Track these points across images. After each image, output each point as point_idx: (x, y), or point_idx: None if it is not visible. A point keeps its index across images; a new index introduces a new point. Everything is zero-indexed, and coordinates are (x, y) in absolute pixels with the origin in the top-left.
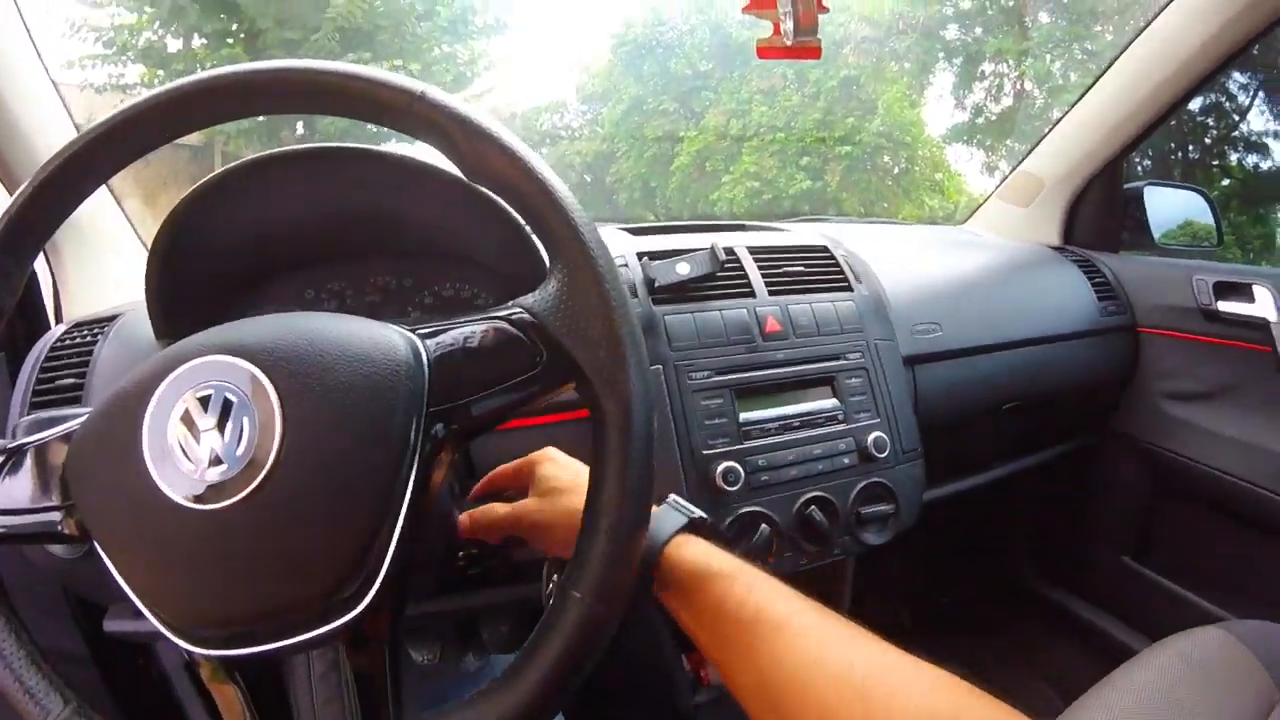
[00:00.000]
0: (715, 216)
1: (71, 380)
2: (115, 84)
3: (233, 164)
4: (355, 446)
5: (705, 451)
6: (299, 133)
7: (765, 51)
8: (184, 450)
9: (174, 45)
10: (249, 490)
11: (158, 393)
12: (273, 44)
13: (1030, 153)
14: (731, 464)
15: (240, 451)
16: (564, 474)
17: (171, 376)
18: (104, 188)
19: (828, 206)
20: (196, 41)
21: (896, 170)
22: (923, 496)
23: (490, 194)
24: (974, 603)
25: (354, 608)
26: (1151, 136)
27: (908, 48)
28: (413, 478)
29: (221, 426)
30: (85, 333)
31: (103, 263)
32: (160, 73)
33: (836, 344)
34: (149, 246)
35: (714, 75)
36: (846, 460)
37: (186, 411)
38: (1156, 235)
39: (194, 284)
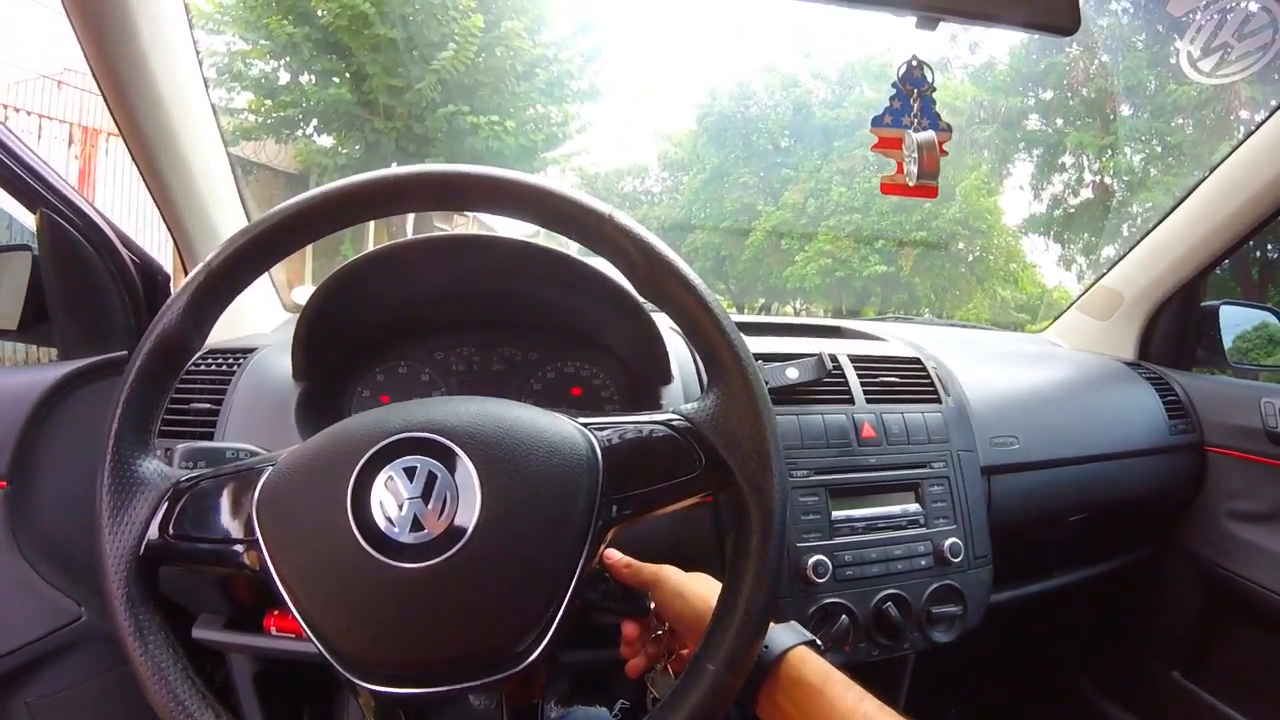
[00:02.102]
0: (785, 293)
1: (208, 405)
2: (224, 107)
3: (393, 243)
4: (543, 526)
5: (799, 544)
6: None
7: (888, 188)
8: (386, 513)
9: (284, 78)
10: (446, 556)
11: (365, 457)
12: (378, 88)
13: (1111, 268)
14: (821, 558)
15: (441, 521)
16: (695, 582)
17: (380, 445)
18: (246, 219)
19: (900, 290)
20: (304, 77)
21: (970, 258)
22: (989, 600)
23: (634, 297)
24: (1022, 706)
25: (526, 659)
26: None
27: (988, 137)
28: (585, 552)
29: (425, 497)
30: (222, 361)
31: None
32: (267, 102)
33: (924, 453)
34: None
35: (795, 152)
36: (923, 562)
37: (392, 479)
38: (1229, 354)
39: (337, 338)
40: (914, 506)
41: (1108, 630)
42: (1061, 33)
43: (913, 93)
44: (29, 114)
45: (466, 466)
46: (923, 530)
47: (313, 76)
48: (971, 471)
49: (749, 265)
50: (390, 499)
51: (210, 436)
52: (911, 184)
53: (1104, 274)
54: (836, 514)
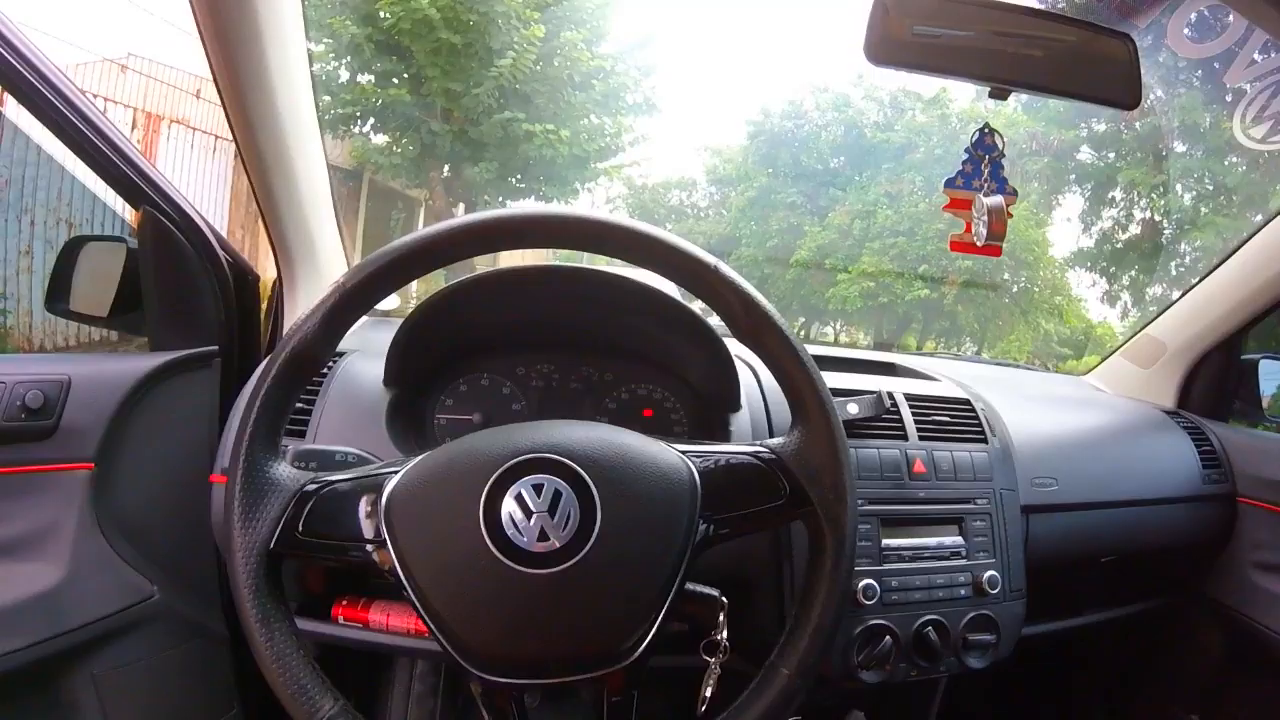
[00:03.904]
0: (826, 314)
1: (301, 405)
2: None
3: (497, 269)
4: (651, 542)
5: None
6: (445, 174)
7: (957, 247)
8: (514, 524)
9: (344, 76)
10: (569, 564)
11: (498, 472)
12: (436, 92)
13: (1156, 318)
14: (871, 582)
15: (565, 533)
16: None
17: (512, 463)
18: (339, 234)
19: (942, 318)
20: (364, 77)
21: (1015, 289)
22: (1021, 631)
23: (710, 328)
24: None
25: (630, 657)
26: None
27: (1039, 169)
28: (684, 566)
29: (551, 511)
30: None
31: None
32: (326, 98)
33: (969, 490)
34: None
35: (843, 174)
36: (963, 591)
37: (521, 494)
38: (1267, 408)
39: (429, 350)
40: (957, 539)
41: (1130, 671)
42: (1122, 107)
43: (983, 158)
44: (93, 96)
45: (588, 485)
46: (964, 562)
47: (373, 76)
48: (1012, 509)
49: (791, 285)
50: (519, 511)
51: (303, 434)
52: (979, 244)
53: (1149, 322)
54: (886, 542)
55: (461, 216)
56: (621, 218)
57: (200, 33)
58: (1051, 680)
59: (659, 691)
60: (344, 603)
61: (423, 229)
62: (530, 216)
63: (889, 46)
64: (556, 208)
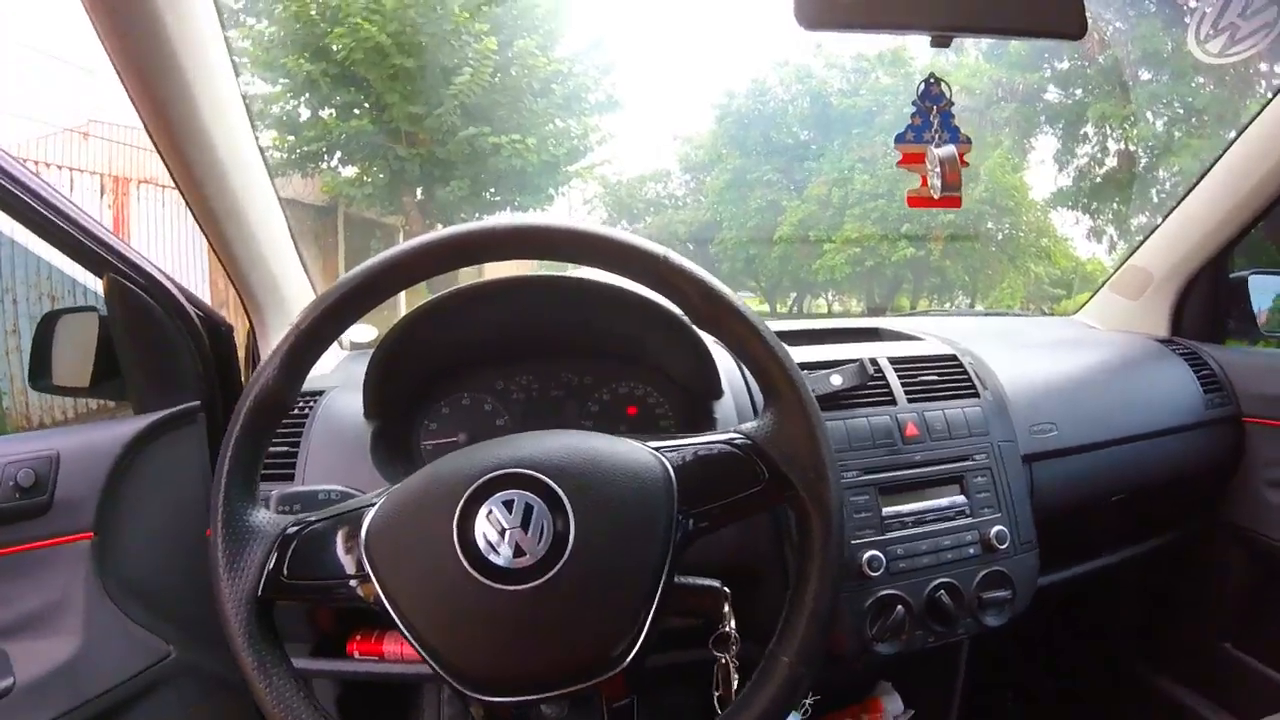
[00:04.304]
0: (816, 286)
1: (285, 448)
2: None
3: (460, 287)
4: (630, 544)
5: (854, 541)
6: (418, 197)
7: (914, 201)
8: (489, 543)
9: (305, 114)
10: (547, 577)
11: (466, 494)
12: (399, 117)
13: (1139, 246)
14: (875, 553)
15: (540, 546)
16: None
17: (480, 482)
18: (303, 270)
19: (932, 274)
20: (325, 112)
21: (1000, 236)
22: (1037, 583)
23: (683, 320)
24: (1077, 686)
25: (622, 663)
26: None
27: (1008, 116)
28: (668, 565)
29: (525, 525)
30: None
31: None
32: (290, 138)
33: (965, 446)
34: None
35: (815, 144)
36: (971, 550)
37: (492, 512)
38: (1261, 323)
39: (405, 377)
40: (960, 498)
41: (1157, 607)
42: (1069, 37)
43: (931, 109)
44: (59, 168)
45: (559, 496)
46: (969, 520)
47: (333, 110)
48: (1013, 461)
49: (778, 261)
50: (492, 530)
51: (290, 478)
52: (936, 196)
53: (1133, 252)
54: (887, 510)
55: (407, 242)
56: (568, 221)
57: (124, 86)
58: (1079, 625)
59: (681, 687)
60: (358, 637)
61: (370, 259)
62: (475, 232)
63: (819, 7)
64: (502, 220)
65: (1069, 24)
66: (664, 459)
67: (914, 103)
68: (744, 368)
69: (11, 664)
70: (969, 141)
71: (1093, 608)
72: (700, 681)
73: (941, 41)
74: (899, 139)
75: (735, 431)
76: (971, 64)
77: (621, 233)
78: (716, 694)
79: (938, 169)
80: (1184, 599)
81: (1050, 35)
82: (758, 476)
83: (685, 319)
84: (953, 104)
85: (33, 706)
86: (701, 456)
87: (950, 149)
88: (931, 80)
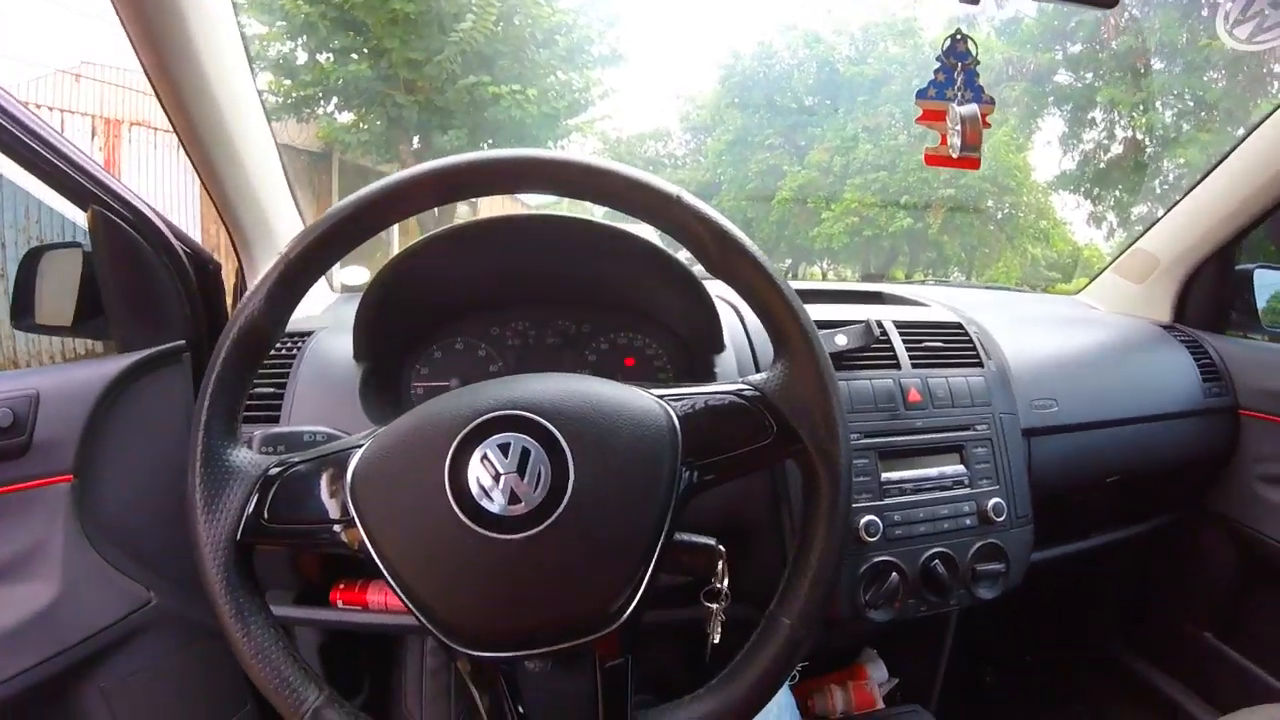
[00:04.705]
0: (812, 254)
1: (271, 389)
2: None
3: (453, 225)
4: (631, 495)
5: (852, 505)
6: (415, 145)
7: (932, 159)
8: (483, 488)
9: (302, 57)
10: (544, 526)
11: (460, 436)
12: (397, 63)
13: (1147, 231)
14: (873, 518)
15: (537, 493)
16: None
17: (475, 424)
18: (296, 210)
19: (928, 249)
20: (323, 56)
21: (1000, 215)
22: (1030, 559)
23: (687, 269)
24: (1057, 667)
25: (619, 619)
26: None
27: (1017, 95)
28: (669, 517)
29: (520, 471)
30: (282, 345)
31: None
32: (287, 82)
33: (967, 416)
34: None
35: (819, 111)
36: (968, 521)
37: (487, 455)
38: (1263, 318)
39: (397, 319)
40: (959, 468)
41: (1142, 592)
42: (1101, 5)
43: (956, 66)
44: (50, 109)
45: (558, 440)
46: (967, 491)
47: (331, 55)
48: (1013, 433)
49: (775, 226)
50: (486, 474)
51: (276, 420)
52: (955, 155)
53: (1140, 236)
54: (886, 475)
55: (403, 171)
56: (576, 154)
57: (120, 19)
58: (1063, 605)
59: (667, 644)
60: (341, 586)
61: (364, 188)
62: (475, 162)
63: None
64: (506, 151)
65: None
66: (668, 407)
67: (938, 58)
68: (746, 324)
69: None
70: (993, 102)
71: (1077, 588)
72: (684, 639)
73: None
74: (920, 95)
75: (744, 383)
76: (982, 39)
77: (632, 169)
78: (713, 641)
79: (958, 127)
80: (1168, 586)
81: (1083, 1)
82: (765, 430)
83: (688, 268)
84: (978, 62)
85: (9, 654)
86: (707, 408)
87: (973, 108)
88: (958, 36)
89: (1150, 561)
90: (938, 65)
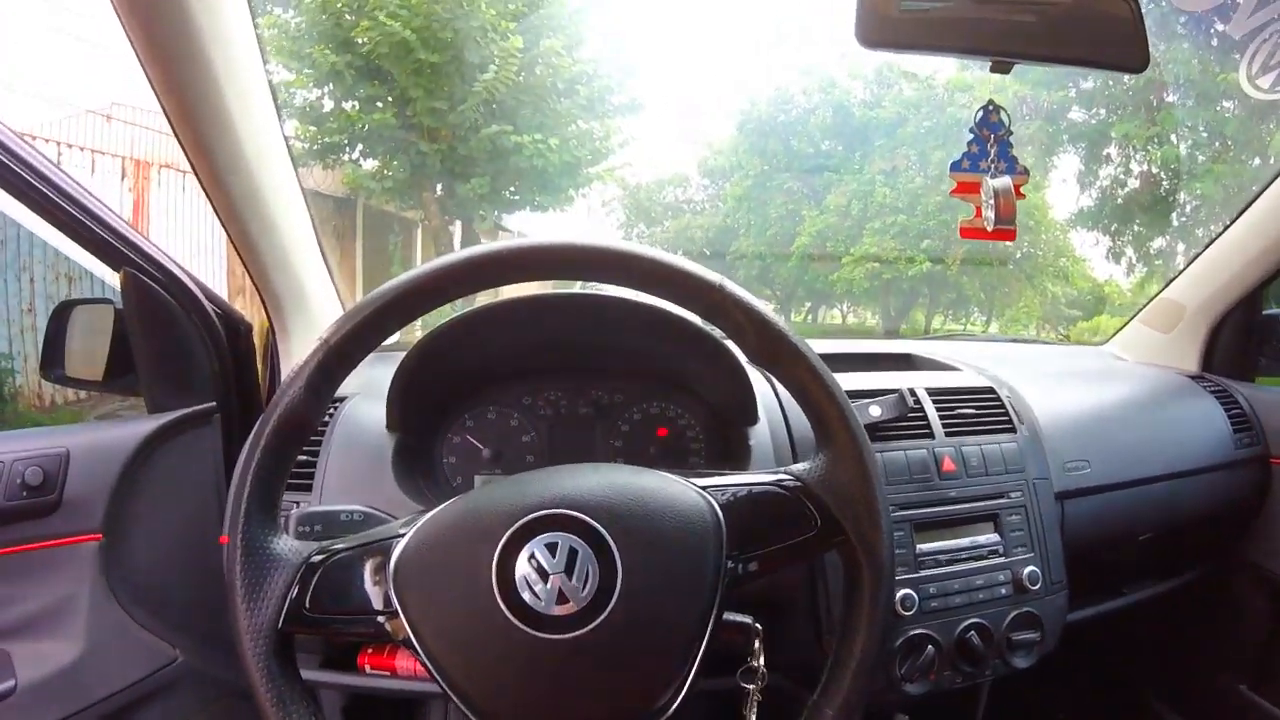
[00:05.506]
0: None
1: (304, 458)
2: None
3: (492, 303)
4: (678, 591)
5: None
6: (438, 193)
7: (968, 233)
8: (531, 588)
9: (328, 105)
10: (591, 627)
11: (508, 534)
12: (421, 111)
13: (1173, 280)
14: (909, 591)
15: (585, 593)
16: None
17: (522, 522)
18: (329, 275)
19: (948, 290)
20: (348, 104)
21: (1019, 255)
22: (1064, 622)
23: (719, 341)
24: None
25: (664, 714)
26: None
27: (1032, 134)
28: (715, 611)
29: (569, 571)
30: None
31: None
32: (313, 128)
33: (1001, 483)
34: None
35: (836, 155)
36: (1003, 591)
37: (534, 555)
38: None
39: (430, 390)
40: (993, 536)
41: (1176, 645)
42: (1130, 70)
43: (989, 138)
44: (81, 149)
45: (605, 541)
46: (1002, 560)
47: (356, 102)
48: (1046, 498)
49: (794, 270)
50: (534, 574)
51: (309, 489)
52: (990, 229)
53: (1166, 286)
54: (921, 547)
55: (449, 255)
56: (617, 242)
57: (146, 73)
58: (1097, 663)
59: (698, 712)
60: (370, 650)
61: (408, 272)
62: (522, 249)
63: (879, 26)
64: (550, 238)
65: (1130, 57)
66: (711, 499)
67: (971, 129)
68: (779, 396)
69: (14, 665)
70: (1026, 172)
71: (1113, 645)
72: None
73: (1002, 68)
74: (954, 167)
75: (785, 473)
76: (996, 80)
77: (674, 258)
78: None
79: (992, 200)
80: (1202, 639)
81: (1111, 67)
82: (808, 520)
83: (722, 342)
84: (1011, 133)
85: (35, 709)
86: (750, 497)
87: (1006, 180)
88: (991, 109)
89: (1184, 614)
90: (970, 137)
